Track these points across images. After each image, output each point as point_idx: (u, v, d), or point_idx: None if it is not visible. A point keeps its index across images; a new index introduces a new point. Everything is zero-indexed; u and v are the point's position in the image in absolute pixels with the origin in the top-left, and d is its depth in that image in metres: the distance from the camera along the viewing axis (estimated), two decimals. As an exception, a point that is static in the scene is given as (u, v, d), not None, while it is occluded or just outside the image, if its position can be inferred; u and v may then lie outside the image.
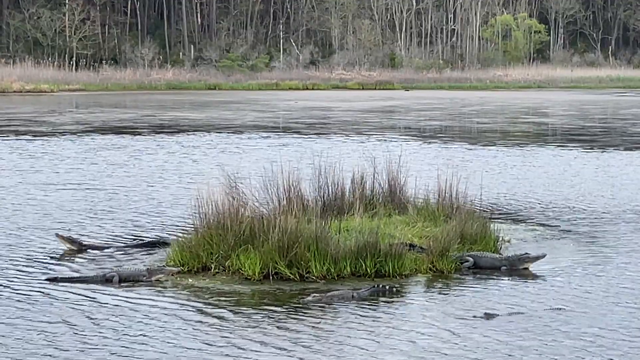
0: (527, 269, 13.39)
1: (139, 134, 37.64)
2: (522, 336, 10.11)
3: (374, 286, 12.02)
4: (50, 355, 9.46)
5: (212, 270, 12.87)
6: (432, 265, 13.13)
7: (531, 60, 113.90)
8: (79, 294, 11.84)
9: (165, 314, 10.94)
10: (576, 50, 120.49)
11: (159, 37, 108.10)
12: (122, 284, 12.38)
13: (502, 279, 12.89)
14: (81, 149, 31.05)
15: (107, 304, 11.41)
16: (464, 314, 10.92)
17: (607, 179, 23.55)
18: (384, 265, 12.80)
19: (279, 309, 11.18)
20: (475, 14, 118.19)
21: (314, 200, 14.98)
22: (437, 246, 13.18)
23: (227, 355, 9.48)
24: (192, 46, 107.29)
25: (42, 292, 11.93)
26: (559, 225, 16.98)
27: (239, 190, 13.90)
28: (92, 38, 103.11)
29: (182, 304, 11.41)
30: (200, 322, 10.65)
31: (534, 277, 13.02)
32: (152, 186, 22.27)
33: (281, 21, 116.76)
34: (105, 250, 14.65)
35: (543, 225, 17.04)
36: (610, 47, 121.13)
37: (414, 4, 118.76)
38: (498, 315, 10.85)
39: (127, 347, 9.70)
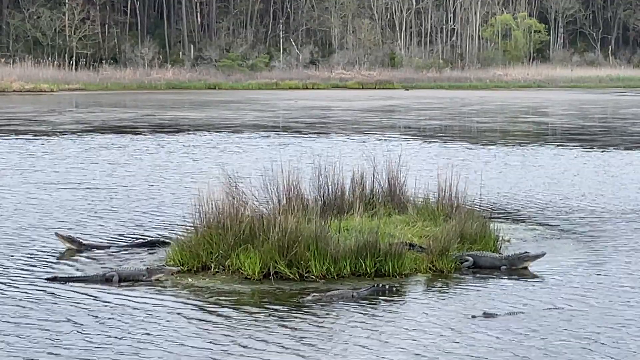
0: (526, 268, 13.40)
1: (139, 133, 37.64)
2: (522, 335, 10.11)
3: (373, 285, 12.03)
4: (53, 354, 9.47)
5: (212, 269, 12.87)
6: (431, 265, 13.13)
7: (531, 60, 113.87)
8: (79, 294, 11.83)
9: (165, 314, 10.95)
10: (576, 49, 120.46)
11: (159, 36, 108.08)
12: (121, 284, 12.38)
13: (502, 279, 12.89)
14: (81, 149, 31.05)
15: (106, 303, 11.41)
16: (464, 314, 10.93)
17: (607, 179, 23.55)
18: (383, 265, 12.80)
19: (278, 308, 11.18)
20: (475, 13, 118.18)
21: (314, 200, 14.98)
22: (437, 246, 13.19)
23: (226, 354, 9.49)
24: (192, 46, 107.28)
25: (42, 292, 11.93)
26: (559, 225, 16.99)
27: (239, 189, 13.90)
28: (92, 37, 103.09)
29: (182, 304, 11.41)
30: (200, 321, 10.66)
31: (534, 276, 13.03)
32: (153, 185, 22.27)
33: (281, 21, 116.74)
34: (105, 250, 14.66)
35: (543, 224, 17.04)
36: (610, 46, 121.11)
37: (414, 3, 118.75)
38: (497, 314, 10.86)
39: (125, 346, 9.70)
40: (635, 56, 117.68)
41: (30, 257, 14.04)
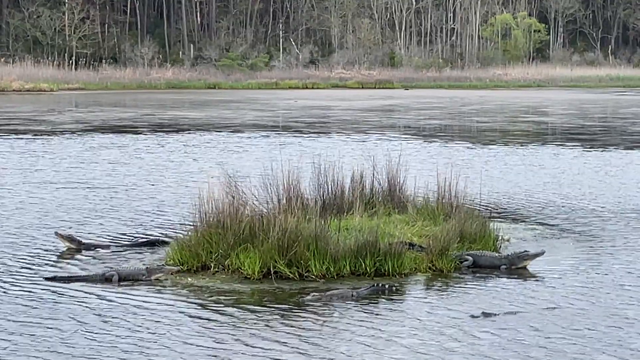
0: (526, 266, 13.40)
1: (139, 133, 37.64)
2: (521, 335, 10.12)
3: (373, 285, 12.03)
4: (57, 352, 9.47)
5: (212, 269, 12.87)
6: (431, 264, 13.14)
7: (531, 59, 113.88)
8: (78, 293, 11.84)
9: (164, 313, 10.95)
10: (576, 49, 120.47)
11: (159, 36, 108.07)
12: (121, 283, 12.38)
13: (502, 278, 12.90)
14: (81, 148, 31.06)
15: (106, 302, 11.42)
16: (463, 313, 10.93)
17: (607, 178, 23.56)
18: (383, 264, 12.81)
19: (278, 308, 11.19)
20: (475, 13, 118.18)
21: (313, 200, 14.98)
22: (437, 245, 13.19)
23: (226, 353, 9.49)
24: (191, 45, 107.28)
25: (42, 291, 11.94)
26: (559, 224, 16.99)
27: (238, 189, 13.90)
28: (92, 37, 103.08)
29: (182, 303, 11.41)
30: (200, 321, 10.66)
31: (534, 276, 13.03)
32: (153, 185, 22.28)
33: (281, 20, 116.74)
34: (105, 249, 14.66)
35: (542, 224, 17.05)
36: (610, 46, 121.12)
37: (414, 3, 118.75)
38: (496, 314, 10.86)
39: (129, 345, 9.71)
40: (635, 56, 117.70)
41: (31, 257, 14.04)
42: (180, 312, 11.00)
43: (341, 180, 15.62)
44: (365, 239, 12.87)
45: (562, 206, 19.08)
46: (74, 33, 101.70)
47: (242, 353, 9.52)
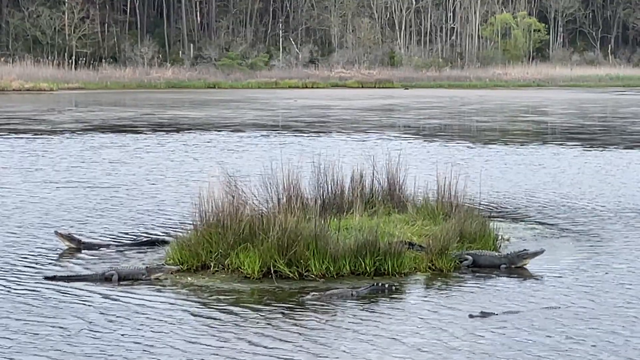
0: (526, 265, 13.41)
1: (139, 132, 37.64)
2: (521, 334, 10.12)
3: (373, 285, 12.03)
4: (62, 351, 9.48)
5: (212, 268, 12.88)
6: (431, 264, 13.14)
7: (531, 59, 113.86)
8: (78, 293, 11.84)
9: (167, 312, 10.95)
10: (576, 48, 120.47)
11: (159, 35, 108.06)
12: (121, 283, 12.39)
13: (501, 277, 12.90)
14: (81, 148, 31.06)
15: (105, 302, 11.42)
16: (463, 313, 10.94)
17: (607, 178, 23.56)
18: (383, 264, 12.81)
19: (278, 307, 11.19)
20: (475, 12, 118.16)
21: (313, 199, 14.98)
22: (437, 245, 13.20)
23: (226, 353, 9.50)
24: (191, 45, 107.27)
25: (42, 291, 11.94)
26: (558, 224, 17.00)
27: (238, 188, 13.91)
28: (92, 36, 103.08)
29: (182, 303, 11.42)
30: (202, 320, 10.66)
31: (533, 275, 13.04)
32: (153, 184, 22.29)
33: (280, 20, 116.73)
34: (105, 249, 14.66)
35: (542, 223, 17.05)
36: (609, 45, 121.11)
37: (414, 2, 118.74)
38: (495, 313, 10.87)
39: (133, 344, 9.72)
40: (634, 55, 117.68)
41: (31, 256, 14.05)
42: (182, 311, 11.00)
43: (341, 180, 15.63)
44: (365, 239, 12.88)
45: (562, 205, 19.09)
46: (74, 32, 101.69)
47: (245, 352, 9.52)
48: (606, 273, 13.06)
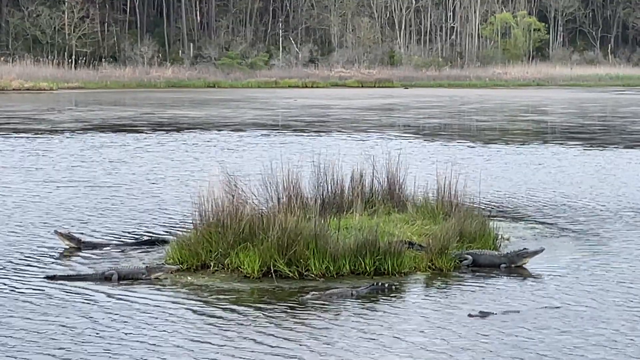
0: (526, 264, 13.40)
1: (139, 131, 37.64)
2: (519, 334, 10.12)
3: (373, 284, 12.03)
4: (66, 349, 9.49)
5: (211, 268, 12.88)
6: (431, 263, 13.14)
7: (530, 58, 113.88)
8: (78, 292, 11.84)
9: (166, 312, 10.96)
10: (575, 48, 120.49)
11: (158, 35, 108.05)
12: (121, 282, 12.39)
13: (501, 277, 12.91)
14: (81, 147, 31.06)
15: (105, 301, 11.42)
16: (463, 312, 10.94)
17: (607, 177, 23.56)
18: (383, 263, 12.81)
19: (278, 306, 11.20)
20: (475, 11, 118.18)
21: (313, 198, 14.98)
22: (436, 244, 13.20)
23: (226, 352, 9.50)
24: (191, 44, 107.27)
25: (45, 290, 11.94)
26: (558, 223, 17.00)
27: (238, 188, 13.91)
28: (92, 36, 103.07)
29: (181, 302, 11.42)
30: (199, 320, 10.66)
31: (533, 274, 13.04)
32: (154, 184, 22.29)
33: (280, 19, 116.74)
34: (105, 248, 14.67)
35: (542, 223, 17.05)
36: (609, 45, 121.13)
37: (413, 1, 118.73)
38: (494, 313, 10.87)
39: (123, 345, 9.72)
40: (634, 55, 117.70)
41: (31, 255, 14.05)
42: (184, 310, 11.00)
43: (341, 179, 15.62)
44: (365, 238, 12.88)
45: (562, 205, 19.09)
46: (74, 32, 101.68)
47: (249, 350, 9.54)
48: (606, 272, 13.06)
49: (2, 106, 56.86)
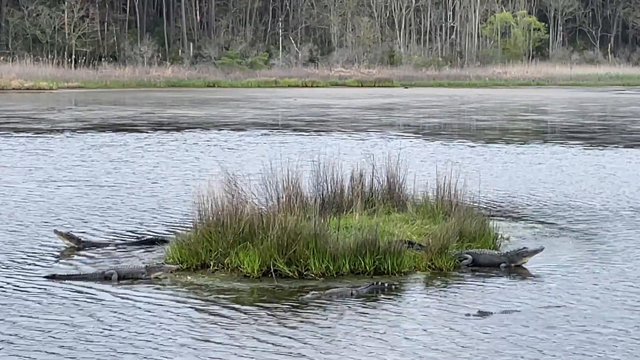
0: (525, 263, 13.41)
1: (139, 131, 37.65)
2: (520, 333, 10.13)
3: (372, 284, 12.04)
4: (71, 349, 9.50)
5: (211, 267, 12.88)
6: (431, 263, 13.15)
7: (530, 58, 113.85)
8: (78, 292, 11.85)
9: (164, 312, 10.96)
10: (575, 47, 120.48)
11: (158, 34, 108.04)
12: (121, 282, 12.39)
13: (501, 276, 12.91)
14: (81, 146, 31.06)
15: (105, 301, 11.42)
16: (462, 312, 10.94)
17: (606, 177, 23.57)
18: (383, 263, 12.81)
19: (277, 306, 11.20)
20: (475, 11, 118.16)
21: (313, 198, 14.99)
22: (436, 244, 13.20)
23: (225, 352, 9.51)
24: (191, 44, 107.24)
25: (47, 289, 11.95)
26: (558, 223, 17.00)
27: (238, 187, 13.91)
28: (91, 35, 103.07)
29: (183, 301, 11.42)
30: (202, 319, 10.67)
31: (533, 274, 13.04)
32: (154, 183, 22.29)
33: (280, 18, 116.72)
34: (104, 247, 14.67)
35: (542, 222, 17.06)
36: (609, 44, 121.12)
37: (413, 1, 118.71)
38: (493, 312, 10.87)
39: (128, 344, 9.73)
40: (634, 54, 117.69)
41: (31, 255, 14.06)
42: (186, 310, 11.01)
43: (341, 179, 15.62)
44: (365, 238, 12.88)
45: (562, 204, 19.09)
46: (74, 31, 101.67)
47: (253, 348, 9.55)
48: (606, 271, 13.07)
49: (2, 105, 56.86)
